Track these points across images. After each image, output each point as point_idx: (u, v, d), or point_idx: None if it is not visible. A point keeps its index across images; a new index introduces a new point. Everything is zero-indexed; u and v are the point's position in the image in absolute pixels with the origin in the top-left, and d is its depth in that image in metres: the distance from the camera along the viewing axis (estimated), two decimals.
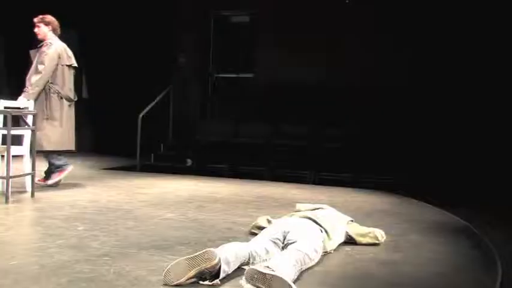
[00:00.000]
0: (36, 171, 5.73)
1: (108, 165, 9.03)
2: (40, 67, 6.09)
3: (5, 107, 5.88)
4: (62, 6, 10.01)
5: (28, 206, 5.19)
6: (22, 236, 4.02)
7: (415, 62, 9.00)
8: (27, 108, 5.90)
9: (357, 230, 4.10)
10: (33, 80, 6.04)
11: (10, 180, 5.21)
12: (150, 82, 10.22)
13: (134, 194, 6.13)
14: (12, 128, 5.34)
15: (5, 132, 5.48)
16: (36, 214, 4.98)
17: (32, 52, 6.28)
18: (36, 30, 6.28)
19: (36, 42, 6.34)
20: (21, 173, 5.73)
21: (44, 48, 6.18)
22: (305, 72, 9.58)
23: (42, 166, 6.39)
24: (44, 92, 6.13)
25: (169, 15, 10.47)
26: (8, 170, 5.19)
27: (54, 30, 6.37)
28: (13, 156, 5.39)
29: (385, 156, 8.34)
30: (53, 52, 6.18)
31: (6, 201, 5.14)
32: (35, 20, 6.32)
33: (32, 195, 5.56)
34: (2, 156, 5.58)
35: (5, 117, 5.46)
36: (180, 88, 10.39)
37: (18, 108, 5.86)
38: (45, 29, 6.31)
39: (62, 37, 6.49)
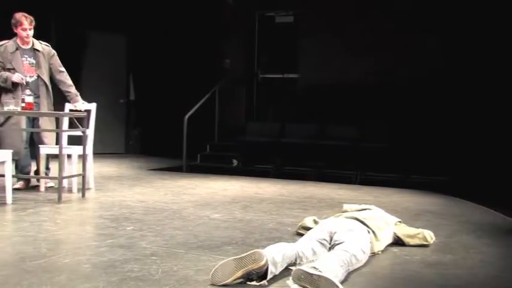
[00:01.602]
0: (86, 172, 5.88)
1: (155, 166, 9.17)
2: (64, 69, 6.20)
3: (70, 110, 6.14)
4: (111, 11, 10.27)
5: (79, 206, 5.33)
6: (74, 235, 4.13)
7: (464, 60, 8.77)
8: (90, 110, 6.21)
9: (405, 231, 4.03)
10: (71, 82, 6.19)
11: (64, 179, 5.39)
12: (196, 83, 10.32)
13: (181, 194, 6.21)
14: (66, 130, 5.56)
15: (74, 133, 5.98)
16: (86, 214, 5.11)
17: (20, 52, 5.98)
18: (31, 33, 5.98)
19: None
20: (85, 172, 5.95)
21: (52, 51, 6.16)
22: (350, 71, 9.48)
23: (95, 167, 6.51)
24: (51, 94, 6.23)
25: (214, 17, 10.55)
26: (60, 170, 5.36)
27: None
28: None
29: (433, 156, 8.18)
30: None
31: (59, 201, 5.30)
32: (31, 21, 5.93)
33: (83, 195, 5.71)
34: (68, 155, 6.05)
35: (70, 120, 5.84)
36: (226, 89, 10.45)
37: (79, 110, 6.13)
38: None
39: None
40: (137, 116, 11.30)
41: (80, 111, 6.07)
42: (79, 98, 6.19)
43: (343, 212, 4.23)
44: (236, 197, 6.13)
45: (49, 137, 6.11)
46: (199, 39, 10.51)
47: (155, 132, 10.95)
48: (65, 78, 6.16)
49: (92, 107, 6.34)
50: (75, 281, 2.91)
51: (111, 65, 10.78)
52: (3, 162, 5.21)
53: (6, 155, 5.17)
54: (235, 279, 2.90)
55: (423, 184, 7.54)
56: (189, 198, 5.90)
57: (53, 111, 6.01)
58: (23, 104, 5.59)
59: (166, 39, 10.75)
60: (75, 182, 5.90)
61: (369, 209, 4.20)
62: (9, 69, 5.87)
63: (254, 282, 2.91)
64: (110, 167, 8.57)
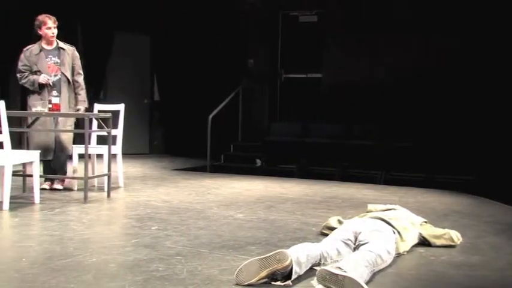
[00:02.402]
0: (113, 172, 5.94)
1: (179, 166, 9.22)
2: (82, 73, 6.20)
3: (99, 111, 6.21)
4: (135, 12, 10.36)
5: (104, 206, 5.38)
6: (99, 234, 4.17)
7: (490, 58, 8.64)
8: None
9: (431, 232, 3.99)
10: (84, 86, 6.19)
11: (90, 180, 5.46)
12: (220, 83, 10.35)
13: (205, 194, 6.23)
14: (92, 130, 5.64)
15: (102, 133, 6.05)
16: (112, 214, 5.16)
17: (45, 53, 5.99)
18: (55, 31, 6.01)
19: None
20: (114, 172, 6.05)
21: (75, 52, 6.18)
22: (374, 71, 9.42)
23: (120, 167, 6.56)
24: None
25: (238, 17, 10.57)
26: (86, 171, 5.42)
27: None
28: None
29: (459, 155, 8.07)
30: None
31: (85, 201, 5.37)
32: (54, 20, 5.98)
33: (108, 195, 5.77)
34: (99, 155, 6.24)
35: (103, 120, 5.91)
36: (249, 89, 10.47)
37: (106, 111, 6.22)
38: None
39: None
40: (161, 116, 11.37)
41: (107, 111, 6.14)
42: (85, 103, 6.18)
43: (367, 212, 4.20)
44: (260, 197, 6.13)
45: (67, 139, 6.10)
46: (223, 39, 10.54)
47: (179, 132, 11.00)
48: (81, 81, 6.18)
49: (121, 107, 6.46)
50: (101, 280, 2.94)
51: (136, 66, 10.86)
52: (31, 163, 5.30)
53: (33, 155, 5.25)
54: (259, 279, 2.89)
55: (449, 184, 7.44)
56: (213, 198, 5.92)
57: (78, 113, 6.03)
58: (50, 105, 5.66)
59: (190, 39, 10.80)
60: (106, 182, 5.94)
61: (394, 209, 4.16)
62: (35, 72, 5.94)
63: (279, 282, 2.91)
64: (134, 167, 8.65)
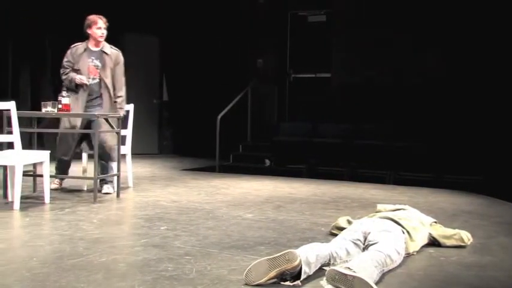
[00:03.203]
0: (122, 172, 5.95)
1: (188, 166, 9.24)
2: (123, 80, 6.16)
3: None
4: (145, 13, 10.40)
5: (114, 206, 5.40)
6: (109, 234, 4.18)
7: (499, 58, 8.58)
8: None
9: (440, 232, 3.97)
10: (123, 94, 6.14)
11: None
12: (229, 83, 10.36)
13: (214, 194, 6.24)
14: (101, 131, 5.65)
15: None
16: (121, 214, 5.17)
17: (88, 53, 5.99)
18: (105, 32, 6.03)
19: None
20: (123, 172, 6.05)
21: (120, 57, 6.13)
22: (383, 71, 9.38)
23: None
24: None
25: (247, 17, 10.57)
26: (95, 171, 5.45)
27: None
28: None
29: (468, 155, 8.01)
30: None
31: (95, 201, 5.39)
32: (105, 21, 6.04)
33: (118, 195, 5.79)
34: None
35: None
36: (258, 89, 10.47)
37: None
38: None
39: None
40: (170, 116, 11.40)
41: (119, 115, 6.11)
42: (123, 110, 6.14)
43: (377, 212, 4.19)
44: (269, 197, 6.13)
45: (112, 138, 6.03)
46: (232, 40, 10.55)
47: (188, 132, 11.03)
48: (120, 88, 6.11)
49: (130, 108, 6.47)
50: (111, 280, 2.96)
51: (145, 66, 10.89)
52: (41, 163, 5.33)
53: (43, 155, 5.28)
54: (268, 279, 2.90)
55: (458, 184, 7.39)
56: (222, 198, 5.92)
57: (84, 113, 5.98)
58: (60, 106, 5.67)
59: (198, 39, 10.82)
60: (115, 182, 5.95)
61: (404, 209, 4.15)
62: (76, 70, 5.95)
63: (288, 283, 2.91)
64: (143, 168, 8.67)
